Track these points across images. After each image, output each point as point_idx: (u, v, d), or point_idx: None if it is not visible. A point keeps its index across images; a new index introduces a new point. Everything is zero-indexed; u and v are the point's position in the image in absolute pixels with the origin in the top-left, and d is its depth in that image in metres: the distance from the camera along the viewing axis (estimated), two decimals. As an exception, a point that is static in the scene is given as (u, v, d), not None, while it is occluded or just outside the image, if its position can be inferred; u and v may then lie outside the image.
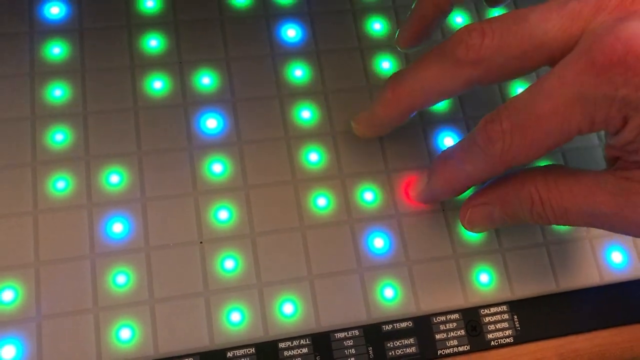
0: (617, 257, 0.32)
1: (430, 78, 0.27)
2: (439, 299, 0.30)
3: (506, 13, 0.26)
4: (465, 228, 0.30)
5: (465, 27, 0.26)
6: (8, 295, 0.28)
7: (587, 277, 0.32)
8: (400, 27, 0.32)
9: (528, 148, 0.25)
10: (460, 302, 0.30)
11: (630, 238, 0.33)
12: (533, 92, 0.25)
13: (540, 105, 0.24)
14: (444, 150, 0.29)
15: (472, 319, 0.30)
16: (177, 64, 0.33)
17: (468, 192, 0.30)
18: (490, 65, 0.26)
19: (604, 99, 0.22)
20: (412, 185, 0.31)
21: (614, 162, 0.25)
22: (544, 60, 0.25)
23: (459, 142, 0.28)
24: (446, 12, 0.30)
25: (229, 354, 0.28)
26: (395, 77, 0.29)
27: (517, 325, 0.30)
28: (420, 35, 0.31)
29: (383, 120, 0.30)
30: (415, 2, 0.30)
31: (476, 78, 0.26)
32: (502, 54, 0.25)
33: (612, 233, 0.32)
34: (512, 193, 0.28)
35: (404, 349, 0.29)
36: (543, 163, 0.29)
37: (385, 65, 0.34)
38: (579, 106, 0.23)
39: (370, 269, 0.30)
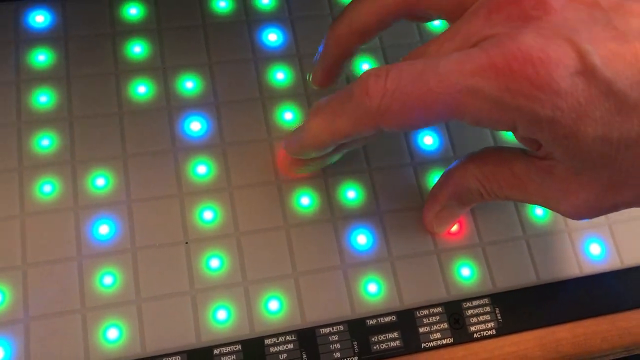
0: (595, 249, 0.33)
1: None
2: (422, 293, 0.31)
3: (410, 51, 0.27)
4: (436, 234, 0.32)
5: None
6: (-4, 298, 0.28)
7: (567, 269, 0.32)
8: (313, 69, 0.33)
9: (404, 116, 0.24)
10: (443, 295, 0.31)
11: (607, 230, 0.33)
12: (429, 65, 0.24)
13: (433, 81, 0.23)
14: (319, 101, 0.28)
15: (454, 312, 0.31)
16: (161, 69, 0.33)
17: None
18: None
19: (497, 103, 0.23)
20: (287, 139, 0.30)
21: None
22: None
23: (336, 93, 0.27)
24: (354, 56, 0.31)
25: (216, 351, 0.29)
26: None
27: (499, 317, 0.31)
28: (333, 77, 0.32)
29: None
30: (322, 47, 0.31)
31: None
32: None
33: (590, 225, 0.33)
34: (461, 188, 0.29)
35: (389, 343, 0.30)
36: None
37: (365, 66, 0.35)
38: (471, 99, 0.23)
39: (354, 265, 0.31)
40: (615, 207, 0.26)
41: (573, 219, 0.27)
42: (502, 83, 0.22)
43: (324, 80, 0.32)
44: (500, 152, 0.28)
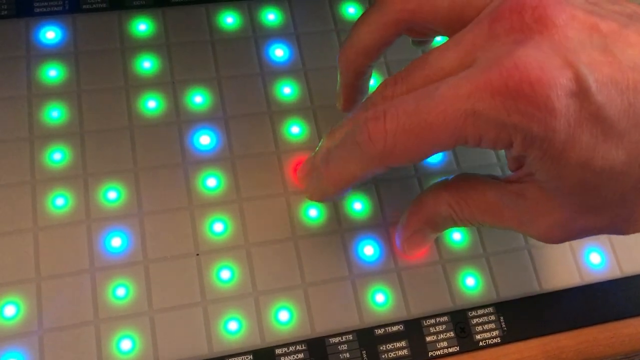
0: (595, 258, 0.34)
1: None
2: (429, 303, 0.32)
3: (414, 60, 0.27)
4: (408, 255, 0.32)
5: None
6: (10, 310, 0.29)
7: (568, 278, 0.33)
8: (336, 95, 0.33)
9: (411, 152, 0.25)
10: (449, 305, 0.32)
11: (607, 240, 0.34)
12: (423, 96, 0.24)
13: (431, 112, 0.24)
14: (324, 150, 0.29)
15: (460, 321, 0.32)
16: (170, 83, 0.34)
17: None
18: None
19: (495, 122, 0.23)
20: (303, 185, 0.32)
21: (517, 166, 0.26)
22: None
23: (341, 140, 0.28)
24: (368, 75, 0.31)
25: (228, 362, 0.29)
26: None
27: (504, 325, 0.32)
28: (354, 99, 0.32)
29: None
30: (339, 74, 0.31)
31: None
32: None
33: (590, 236, 0.34)
34: (433, 214, 0.29)
35: (396, 352, 0.31)
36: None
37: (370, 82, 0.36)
38: (471, 121, 0.23)
39: (362, 276, 0.32)
40: (586, 232, 0.25)
41: (544, 242, 0.27)
42: (498, 102, 0.23)
43: (346, 104, 0.32)
44: (472, 179, 0.28)
